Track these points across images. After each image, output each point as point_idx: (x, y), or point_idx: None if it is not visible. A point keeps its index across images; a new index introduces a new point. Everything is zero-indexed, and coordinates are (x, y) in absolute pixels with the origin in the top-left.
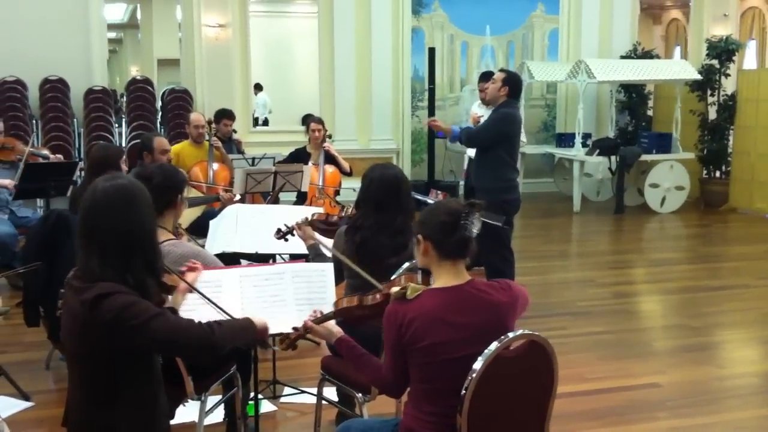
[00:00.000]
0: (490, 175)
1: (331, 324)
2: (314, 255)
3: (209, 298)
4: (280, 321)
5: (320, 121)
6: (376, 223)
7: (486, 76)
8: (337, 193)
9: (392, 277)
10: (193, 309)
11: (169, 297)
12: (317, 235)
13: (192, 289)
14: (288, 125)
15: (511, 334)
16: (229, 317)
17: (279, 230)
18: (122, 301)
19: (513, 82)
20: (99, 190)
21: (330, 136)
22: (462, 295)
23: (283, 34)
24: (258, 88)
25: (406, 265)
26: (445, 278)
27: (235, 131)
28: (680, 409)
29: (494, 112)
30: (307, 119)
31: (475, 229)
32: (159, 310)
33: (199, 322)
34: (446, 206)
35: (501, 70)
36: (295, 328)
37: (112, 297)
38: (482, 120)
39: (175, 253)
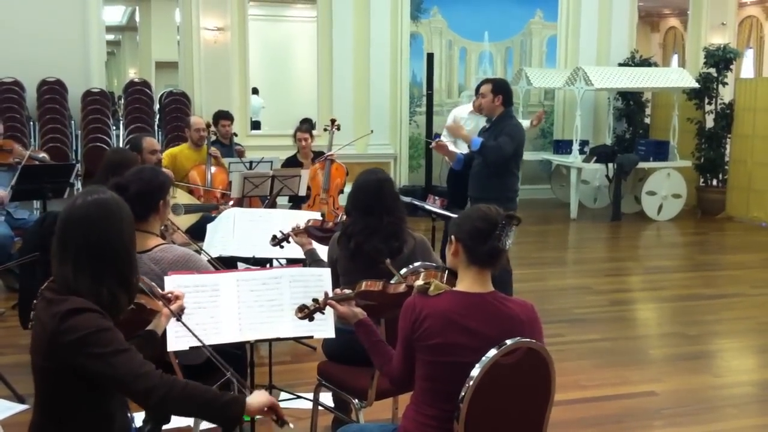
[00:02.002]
0: (497, 186)
1: (353, 305)
2: (311, 260)
3: (191, 329)
4: (277, 327)
5: (308, 130)
6: (366, 227)
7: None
8: (341, 192)
9: (407, 272)
10: (191, 313)
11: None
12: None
13: (177, 318)
14: (286, 129)
15: (508, 341)
16: (218, 361)
17: (274, 237)
18: (93, 323)
19: (504, 90)
20: (78, 203)
21: (339, 127)
22: (482, 304)
23: (282, 38)
24: (253, 91)
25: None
26: (468, 283)
27: (235, 134)
28: (676, 417)
29: (501, 123)
30: (302, 124)
31: (509, 242)
32: (126, 346)
33: (164, 376)
34: (483, 213)
35: (486, 81)
36: (315, 300)
37: (84, 315)
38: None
39: (167, 259)
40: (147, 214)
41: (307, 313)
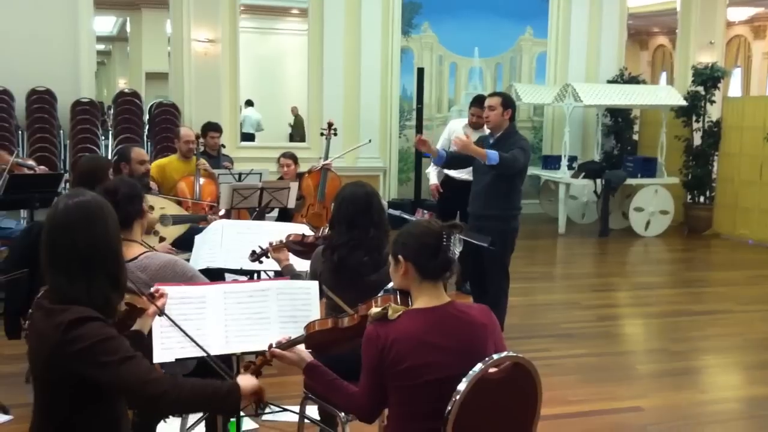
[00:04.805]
0: (503, 204)
1: (300, 349)
2: (291, 277)
3: (179, 325)
4: (264, 339)
5: (292, 156)
6: (350, 240)
7: (480, 101)
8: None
9: (361, 304)
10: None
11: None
12: (291, 256)
13: (161, 313)
14: (276, 141)
15: (495, 356)
16: (205, 354)
17: (253, 252)
18: (98, 332)
19: (513, 104)
20: (61, 207)
21: (336, 132)
22: (443, 317)
23: (273, 51)
24: (248, 104)
25: (381, 293)
26: (425, 299)
27: (223, 146)
28: None
29: (509, 138)
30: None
31: (457, 250)
32: (132, 353)
33: (170, 379)
34: (427, 228)
35: (494, 94)
36: (259, 353)
37: (88, 324)
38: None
39: (153, 266)
40: (132, 220)
41: (253, 369)
